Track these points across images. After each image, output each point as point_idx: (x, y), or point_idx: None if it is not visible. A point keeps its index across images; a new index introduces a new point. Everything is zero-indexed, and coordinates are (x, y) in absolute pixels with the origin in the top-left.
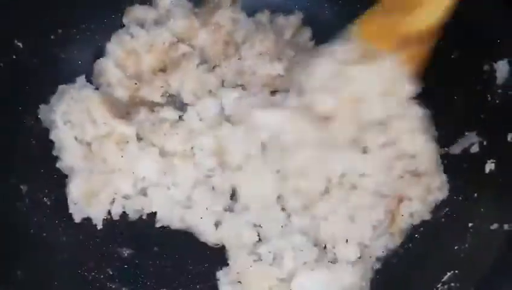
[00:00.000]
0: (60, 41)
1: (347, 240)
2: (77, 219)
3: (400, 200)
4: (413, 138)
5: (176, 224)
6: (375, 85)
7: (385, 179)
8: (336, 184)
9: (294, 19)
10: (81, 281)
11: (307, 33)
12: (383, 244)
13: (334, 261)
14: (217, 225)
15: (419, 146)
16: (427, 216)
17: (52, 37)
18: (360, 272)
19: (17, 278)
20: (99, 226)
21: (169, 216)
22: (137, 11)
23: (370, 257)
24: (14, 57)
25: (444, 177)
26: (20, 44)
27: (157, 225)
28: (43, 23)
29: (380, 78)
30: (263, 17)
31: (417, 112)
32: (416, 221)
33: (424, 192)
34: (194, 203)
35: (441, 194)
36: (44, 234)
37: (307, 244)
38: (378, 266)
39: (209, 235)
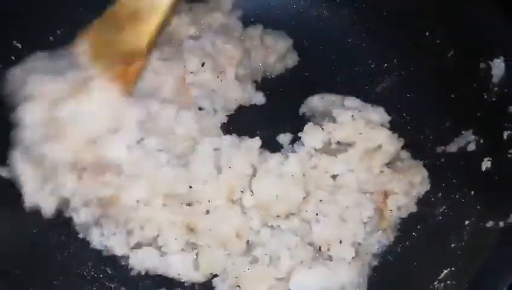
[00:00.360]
0: (58, 42)
1: (341, 241)
2: (27, 203)
3: (386, 195)
4: (372, 133)
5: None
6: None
7: (367, 176)
8: (314, 189)
9: (283, 44)
10: (81, 280)
11: (291, 61)
12: (376, 241)
13: (330, 259)
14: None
15: (381, 138)
16: (414, 209)
17: (50, 38)
18: (357, 269)
19: (17, 277)
20: (48, 216)
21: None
22: None
23: (366, 254)
24: (13, 58)
25: (425, 172)
26: (19, 45)
27: (133, 273)
28: (42, 24)
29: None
30: (255, 31)
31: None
32: (404, 214)
33: (407, 186)
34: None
35: (423, 188)
36: (44, 233)
37: (301, 243)
38: (375, 263)
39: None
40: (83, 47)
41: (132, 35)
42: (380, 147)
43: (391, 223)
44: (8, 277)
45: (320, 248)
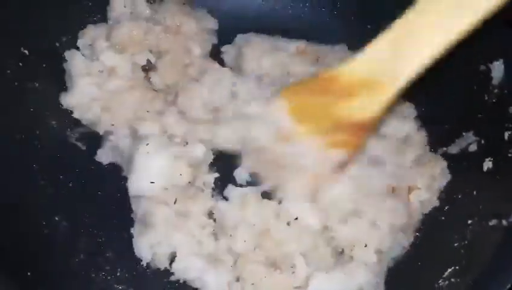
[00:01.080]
0: (65, 48)
1: (366, 245)
2: None
3: (409, 191)
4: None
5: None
6: None
7: (397, 169)
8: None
9: None
10: (90, 282)
11: None
12: (397, 244)
13: (350, 261)
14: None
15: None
16: (436, 203)
17: (57, 44)
18: (375, 270)
19: (28, 279)
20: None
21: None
22: None
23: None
24: (20, 64)
25: (444, 163)
26: (26, 51)
27: (173, 278)
28: (49, 31)
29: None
30: None
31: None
32: (426, 209)
33: (429, 180)
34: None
35: (444, 179)
36: (55, 236)
37: (318, 250)
38: (391, 264)
39: None
40: (281, 103)
41: (363, 103)
42: (408, 137)
43: (415, 220)
44: (18, 278)
45: (342, 250)
